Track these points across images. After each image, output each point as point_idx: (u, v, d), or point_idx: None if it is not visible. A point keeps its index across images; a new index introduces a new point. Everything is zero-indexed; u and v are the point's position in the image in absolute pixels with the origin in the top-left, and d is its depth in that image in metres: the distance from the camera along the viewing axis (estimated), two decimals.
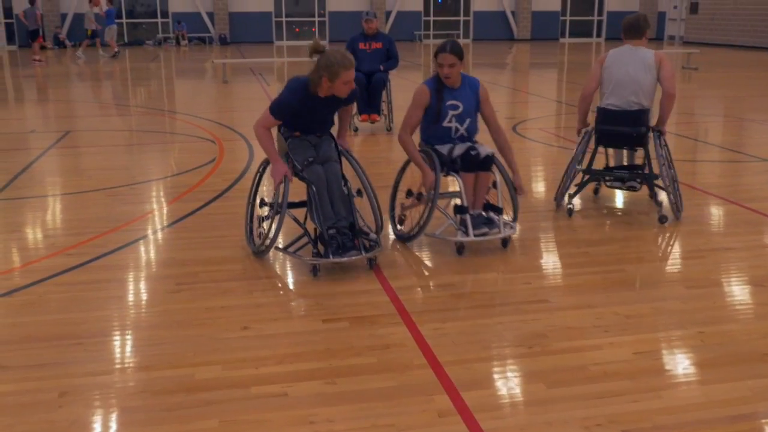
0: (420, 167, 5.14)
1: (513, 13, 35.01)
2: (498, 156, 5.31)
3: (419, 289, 4.60)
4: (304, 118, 4.89)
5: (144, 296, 4.49)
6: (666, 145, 5.97)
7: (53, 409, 3.18)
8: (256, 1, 33.00)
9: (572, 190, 6.18)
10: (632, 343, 3.76)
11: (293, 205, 4.98)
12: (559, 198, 6.29)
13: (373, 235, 4.91)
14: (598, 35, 36.44)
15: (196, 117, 11.61)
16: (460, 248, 5.11)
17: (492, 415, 3.11)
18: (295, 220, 5.00)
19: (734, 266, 4.95)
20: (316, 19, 33.98)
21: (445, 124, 5.18)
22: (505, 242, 5.24)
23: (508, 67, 22.38)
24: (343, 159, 5.11)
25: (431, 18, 34.88)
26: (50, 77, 18.90)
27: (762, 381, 3.38)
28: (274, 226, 4.83)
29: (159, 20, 32.88)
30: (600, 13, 36.39)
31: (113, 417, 3.14)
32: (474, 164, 5.15)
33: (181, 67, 22.80)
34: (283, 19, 33.70)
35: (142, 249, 5.35)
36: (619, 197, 6.68)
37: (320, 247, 4.75)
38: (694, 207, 6.28)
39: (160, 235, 5.68)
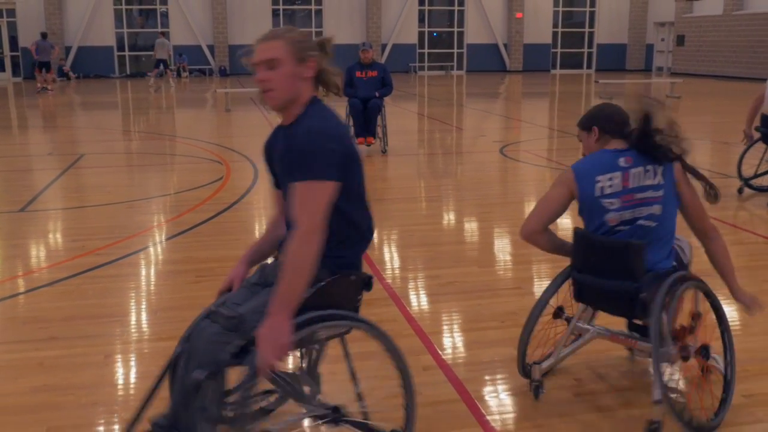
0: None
1: (505, 45, 35.97)
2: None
3: (409, 278, 5.25)
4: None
5: (168, 286, 5.14)
6: None
7: (101, 367, 3.83)
8: (256, 34, 32.88)
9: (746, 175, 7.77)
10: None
11: None
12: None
13: None
14: (589, 67, 37.40)
15: (202, 141, 12.31)
16: None
17: (466, 368, 3.76)
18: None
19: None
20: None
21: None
22: None
23: (501, 97, 23.19)
24: None
25: (426, 50, 35.83)
26: (58, 106, 19.65)
27: None
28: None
29: None
30: (590, 46, 37.38)
31: (152, 372, 3.77)
32: None
33: (183, 97, 23.56)
34: None
35: (163, 250, 6.00)
36: None
37: None
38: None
39: (178, 239, 6.32)
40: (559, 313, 3.65)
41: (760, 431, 3.18)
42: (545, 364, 3.53)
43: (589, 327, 3.58)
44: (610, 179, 3.21)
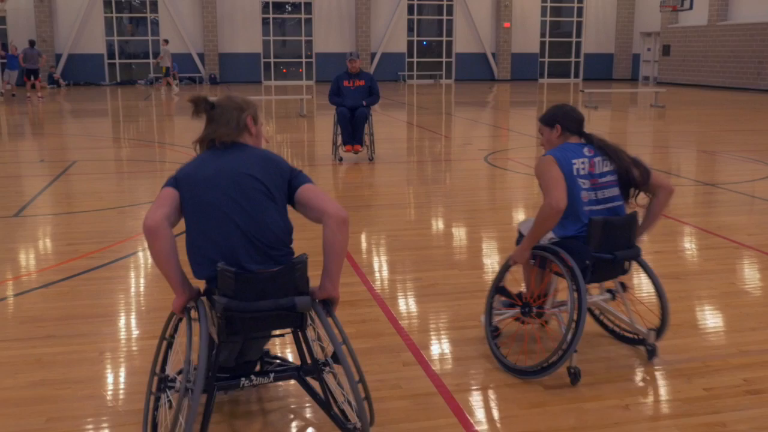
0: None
1: (494, 54, 36.32)
2: None
3: (393, 280, 5.45)
4: None
5: (158, 288, 5.30)
6: None
7: (96, 363, 4.01)
8: (245, 42, 34.14)
9: None
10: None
11: None
12: None
13: None
14: (576, 76, 37.79)
15: (191, 148, 12.45)
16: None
17: (444, 364, 3.96)
18: None
19: (657, 264, 5.83)
20: (303, 60, 35.13)
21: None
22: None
23: (489, 106, 23.46)
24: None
25: (415, 59, 36.13)
26: (49, 114, 19.79)
27: None
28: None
29: (150, 60, 33.84)
30: (577, 55, 37.79)
31: (144, 368, 3.95)
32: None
33: (173, 105, 23.72)
34: (272, 60, 34.83)
35: None
36: None
37: None
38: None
39: None
40: (538, 312, 3.95)
41: (716, 421, 3.38)
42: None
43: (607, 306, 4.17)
44: (582, 163, 3.80)
